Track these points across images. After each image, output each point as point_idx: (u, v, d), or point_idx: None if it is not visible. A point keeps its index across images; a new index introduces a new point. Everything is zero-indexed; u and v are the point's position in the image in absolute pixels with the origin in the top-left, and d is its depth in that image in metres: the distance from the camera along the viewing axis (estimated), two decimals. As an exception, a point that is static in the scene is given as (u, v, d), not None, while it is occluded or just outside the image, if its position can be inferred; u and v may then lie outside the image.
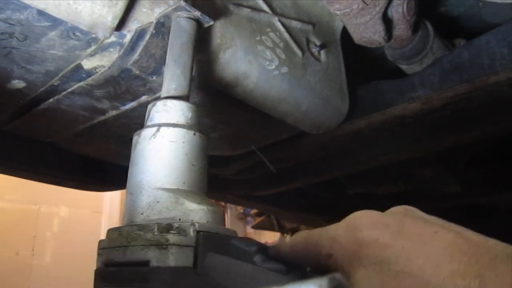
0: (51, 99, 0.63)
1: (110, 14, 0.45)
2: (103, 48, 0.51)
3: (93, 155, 0.91)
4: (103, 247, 0.39)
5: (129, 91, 0.58)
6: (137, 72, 0.52)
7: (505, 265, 0.25)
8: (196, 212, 0.40)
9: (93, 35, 0.48)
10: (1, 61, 0.54)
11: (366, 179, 1.19)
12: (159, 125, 0.43)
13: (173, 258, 0.35)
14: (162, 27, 0.50)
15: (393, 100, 0.79)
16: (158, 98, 0.45)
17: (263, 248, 0.39)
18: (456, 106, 0.77)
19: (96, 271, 0.40)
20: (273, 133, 0.80)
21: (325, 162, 1.06)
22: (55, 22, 0.47)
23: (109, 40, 0.50)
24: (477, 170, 1.13)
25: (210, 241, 0.38)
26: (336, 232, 0.33)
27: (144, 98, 0.61)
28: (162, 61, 0.51)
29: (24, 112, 0.68)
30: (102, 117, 0.68)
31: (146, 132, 0.43)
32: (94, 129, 0.74)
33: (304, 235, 0.36)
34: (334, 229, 0.33)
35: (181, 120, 0.44)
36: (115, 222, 2.83)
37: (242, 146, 0.86)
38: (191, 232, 0.37)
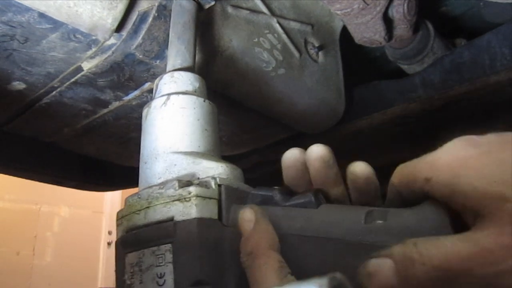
0: (54, 92, 0.63)
1: (110, 17, 0.45)
2: (103, 50, 0.51)
3: (93, 155, 0.91)
4: (123, 216, 0.38)
5: (132, 78, 0.58)
6: (140, 56, 0.52)
7: None
8: (215, 169, 0.39)
9: (93, 37, 0.49)
10: (2, 62, 0.54)
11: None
12: (169, 94, 0.43)
13: (198, 210, 0.34)
14: (164, 10, 0.50)
15: (394, 100, 0.79)
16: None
17: (284, 190, 0.40)
18: (457, 106, 0.77)
19: (117, 241, 0.38)
20: (271, 133, 0.80)
21: (326, 162, 1.05)
22: (56, 24, 0.47)
23: (109, 42, 0.50)
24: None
25: (232, 194, 0.38)
26: (434, 156, 0.33)
27: (147, 86, 0.61)
28: (165, 45, 0.51)
29: (24, 111, 0.68)
30: (105, 110, 0.68)
31: (156, 102, 0.43)
32: (94, 129, 0.74)
33: (399, 166, 0.36)
34: (431, 155, 0.33)
35: (190, 88, 0.44)
36: (116, 222, 2.83)
37: (241, 146, 0.87)
38: (213, 185, 0.37)
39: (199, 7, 0.51)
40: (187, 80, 0.44)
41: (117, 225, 0.39)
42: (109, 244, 2.85)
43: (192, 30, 0.48)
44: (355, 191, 0.40)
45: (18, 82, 0.59)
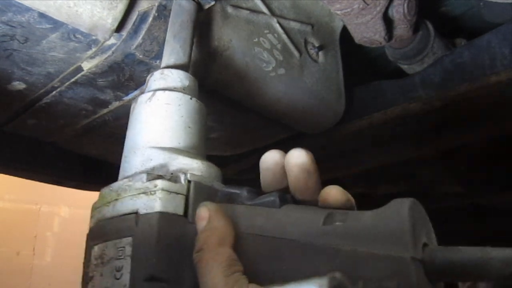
0: (54, 92, 0.62)
1: (110, 17, 0.45)
2: (103, 50, 0.51)
3: (93, 155, 0.91)
4: (95, 207, 0.38)
5: (132, 78, 0.58)
6: (140, 56, 0.52)
7: None
8: (189, 165, 0.38)
9: (93, 37, 0.49)
10: (2, 62, 0.54)
11: (366, 179, 1.19)
12: (155, 90, 0.42)
13: (161, 204, 0.34)
14: (164, 10, 0.50)
15: (394, 100, 0.79)
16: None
17: (253, 189, 0.39)
18: (457, 106, 0.77)
19: (88, 233, 0.38)
20: (271, 133, 0.80)
21: (325, 162, 1.05)
22: (56, 24, 0.47)
23: (109, 42, 0.50)
24: (478, 170, 1.13)
25: (202, 191, 0.37)
26: None
27: None
28: None
29: (24, 111, 0.68)
30: (105, 110, 0.68)
31: (142, 98, 0.43)
32: (94, 129, 0.74)
33: None
34: None
35: (178, 85, 0.44)
36: (116, 222, 2.82)
37: (241, 146, 0.86)
38: (182, 180, 0.36)
39: (199, 7, 0.51)
40: (177, 78, 0.44)
41: (90, 217, 0.38)
42: (109, 244, 2.85)
43: (190, 30, 0.48)
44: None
45: (18, 82, 0.59)
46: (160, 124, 0.41)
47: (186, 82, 0.44)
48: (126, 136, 0.43)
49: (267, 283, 0.29)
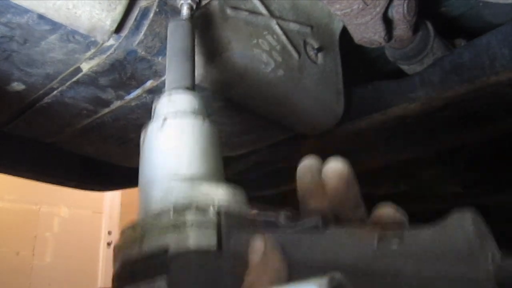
0: (55, 92, 0.62)
1: (108, 18, 0.45)
2: (102, 51, 0.51)
3: (93, 155, 0.91)
4: (118, 248, 0.36)
5: (134, 77, 0.58)
6: (142, 53, 0.52)
7: None
8: (214, 194, 0.36)
9: (92, 39, 0.49)
10: (1, 64, 0.54)
11: (366, 179, 1.19)
12: (166, 117, 0.41)
13: (194, 239, 0.32)
14: (165, 5, 0.50)
15: (393, 100, 0.79)
16: (163, 91, 0.44)
17: (288, 214, 0.36)
18: (457, 107, 0.77)
19: (113, 275, 0.36)
20: (270, 134, 0.81)
21: (325, 162, 1.05)
22: (55, 26, 0.47)
23: (107, 44, 0.50)
24: (477, 170, 1.13)
25: (233, 220, 0.35)
26: None
27: (149, 84, 0.60)
28: (166, 41, 0.50)
29: (24, 111, 0.68)
30: (106, 110, 0.68)
31: (153, 126, 0.41)
32: (94, 129, 0.74)
33: None
34: None
35: (188, 109, 0.42)
36: (116, 223, 2.84)
37: (240, 147, 0.87)
38: (211, 212, 0.34)
39: (197, 3, 0.49)
40: (185, 100, 0.42)
41: (114, 257, 0.37)
42: (108, 244, 2.85)
43: (190, 47, 0.47)
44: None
45: (17, 83, 0.59)
46: (176, 153, 0.39)
47: (195, 104, 0.42)
48: (140, 167, 0.41)
49: None
